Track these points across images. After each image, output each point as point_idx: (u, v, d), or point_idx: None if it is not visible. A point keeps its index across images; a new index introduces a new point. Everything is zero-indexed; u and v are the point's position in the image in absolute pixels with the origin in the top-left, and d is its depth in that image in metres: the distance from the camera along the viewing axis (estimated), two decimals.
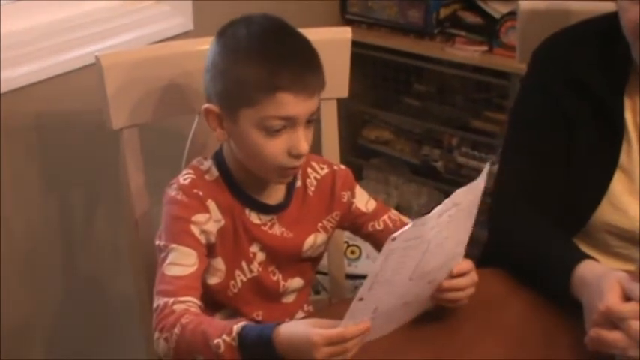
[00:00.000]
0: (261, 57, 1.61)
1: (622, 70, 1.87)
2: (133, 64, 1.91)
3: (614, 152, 1.88)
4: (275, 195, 1.76)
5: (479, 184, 1.53)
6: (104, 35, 2.45)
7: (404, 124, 3.60)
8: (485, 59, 3.18)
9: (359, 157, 3.66)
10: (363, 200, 1.86)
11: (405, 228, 1.38)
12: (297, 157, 1.65)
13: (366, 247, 2.92)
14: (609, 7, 1.89)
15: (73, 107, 2.39)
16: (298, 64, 1.62)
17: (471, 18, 3.25)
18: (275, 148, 1.63)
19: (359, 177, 3.61)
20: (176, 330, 1.54)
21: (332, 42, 2.05)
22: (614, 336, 1.51)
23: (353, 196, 1.85)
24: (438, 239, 1.46)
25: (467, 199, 1.50)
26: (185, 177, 1.71)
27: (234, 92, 1.63)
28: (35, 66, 2.29)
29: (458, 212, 1.48)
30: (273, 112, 1.60)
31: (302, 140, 1.63)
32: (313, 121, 1.67)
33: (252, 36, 1.64)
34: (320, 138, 2.09)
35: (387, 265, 1.40)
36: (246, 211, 1.73)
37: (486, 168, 1.53)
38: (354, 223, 1.87)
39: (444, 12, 3.28)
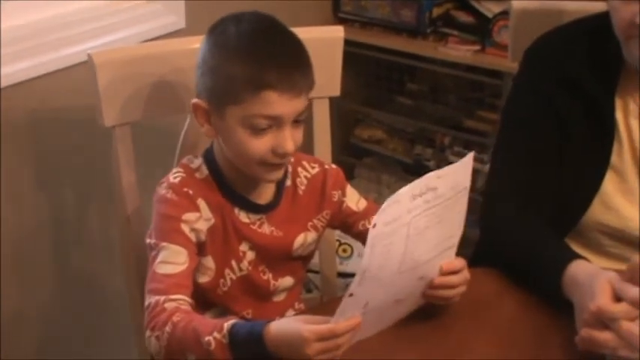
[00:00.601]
0: (249, 55, 1.60)
1: (614, 70, 1.87)
2: (126, 62, 1.91)
3: (605, 152, 1.88)
4: (265, 194, 1.76)
5: (457, 171, 1.51)
6: (96, 33, 2.45)
7: (396, 123, 3.61)
8: (477, 58, 3.18)
9: (351, 156, 3.66)
10: (354, 199, 1.86)
11: (381, 210, 1.37)
12: (283, 155, 1.65)
13: (358, 246, 2.93)
14: (601, 6, 1.89)
15: (66, 104, 2.39)
16: (285, 63, 1.61)
17: (463, 17, 3.26)
18: (260, 146, 1.63)
19: (351, 176, 3.61)
20: (167, 328, 1.54)
21: (324, 41, 2.05)
22: (605, 336, 1.51)
23: (344, 195, 1.85)
24: (417, 226, 1.45)
25: (445, 186, 1.48)
26: (175, 175, 1.70)
27: (221, 89, 1.63)
28: (28, 63, 2.29)
29: (436, 199, 1.47)
30: (259, 110, 1.60)
31: (288, 139, 1.63)
32: (302, 121, 1.66)
33: (240, 33, 1.64)
34: (312, 137, 2.09)
35: (373, 257, 1.40)
36: (235, 210, 1.73)
37: (469, 157, 1.52)
38: (345, 222, 1.87)
39: (436, 11, 3.29)
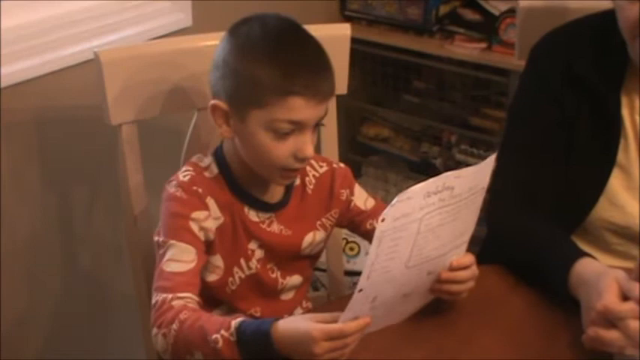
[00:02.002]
0: (277, 59, 1.60)
1: (619, 67, 1.87)
2: (132, 60, 1.91)
3: (611, 149, 1.88)
4: (274, 193, 1.76)
5: (477, 172, 1.51)
6: (103, 31, 2.45)
7: (403, 121, 3.61)
8: (484, 56, 3.19)
9: (358, 154, 3.66)
10: (362, 198, 1.86)
11: (391, 205, 1.37)
12: (303, 160, 1.65)
13: (365, 244, 2.93)
14: (607, 5, 1.89)
15: (72, 103, 2.39)
16: (313, 69, 1.61)
17: (470, 15, 3.26)
18: (281, 150, 1.63)
19: (358, 174, 3.61)
20: (174, 326, 1.54)
21: (331, 38, 2.03)
22: (612, 335, 1.51)
23: (352, 194, 1.85)
24: (430, 223, 1.45)
25: (462, 186, 1.48)
26: (185, 174, 1.70)
27: (245, 92, 1.62)
28: (34, 61, 2.29)
29: (452, 199, 1.47)
30: (284, 115, 1.60)
31: (308, 144, 1.63)
32: (320, 125, 1.67)
33: (267, 36, 1.63)
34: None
35: (381, 250, 1.40)
36: (245, 209, 1.73)
37: (491, 159, 1.52)
38: (353, 220, 1.87)
39: (443, 9, 3.29)
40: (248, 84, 1.62)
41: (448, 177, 1.45)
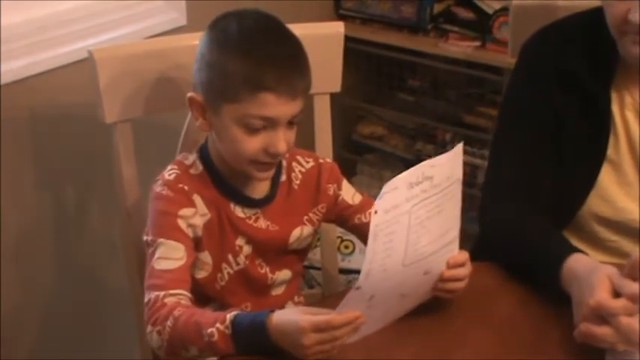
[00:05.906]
0: (249, 55, 1.61)
1: (610, 63, 1.87)
2: (127, 59, 1.92)
3: (602, 145, 1.89)
4: (260, 189, 1.77)
5: (449, 160, 1.52)
6: (98, 30, 2.46)
7: (397, 120, 3.61)
8: (478, 54, 3.19)
9: (352, 152, 3.67)
10: (350, 193, 1.87)
11: (379, 197, 1.38)
12: (274, 156, 1.66)
13: (360, 242, 2.93)
14: (597, 2, 1.89)
15: (66, 101, 2.39)
16: (285, 65, 1.62)
17: (464, 13, 3.26)
18: (252, 144, 1.64)
19: (352, 172, 3.62)
20: (169, 322, 1.55)
21: (325, 37, 2.05)
22: (603, 331, 1.51)
23: (339, 188, 1.86)
24: (418, 215, 1.46)
25: (440, 175, 1.49)
26: (170, 172, 1.72)
27: (218, 86, 1.64)
28: (29, 60, 2.29)
29: (433, 189, 1.48)
30: (255, 111, 1.61)
31: (280, 140, 1.64)
32: (296, 123, 1.67)
33: (242, 32, 1.64)
34: (313, 133, 2.10)
35: (377, 247, 1.40)
36: (231, 205, 1.74)
37: (459, 148, 1.53)
38: (341, 215, 1.88)
39: (437, 7, 3.30)
40: (221, 78, 1.63)
41: (424, 166, 1.46)
